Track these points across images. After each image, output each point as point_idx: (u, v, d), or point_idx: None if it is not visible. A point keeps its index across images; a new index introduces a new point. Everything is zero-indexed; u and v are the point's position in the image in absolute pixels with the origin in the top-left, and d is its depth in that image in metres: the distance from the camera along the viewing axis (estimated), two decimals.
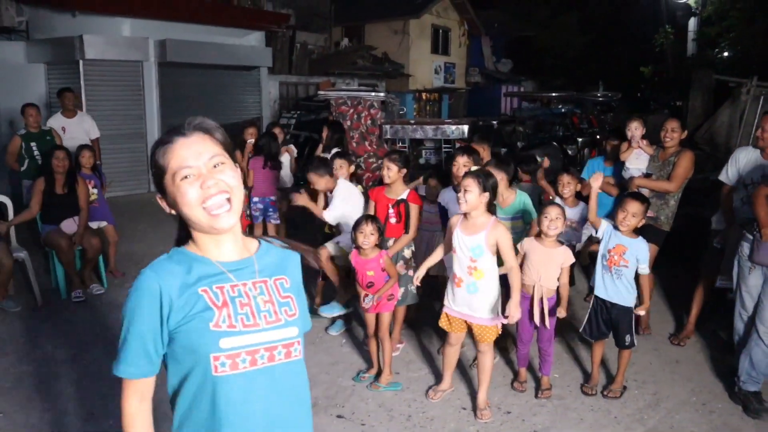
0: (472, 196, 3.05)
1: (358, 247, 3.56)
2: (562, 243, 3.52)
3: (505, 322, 3.21)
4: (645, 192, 4.26)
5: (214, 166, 1.31)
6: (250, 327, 1.31)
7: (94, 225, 5.41)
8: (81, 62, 9.26)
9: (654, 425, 3.27)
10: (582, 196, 4.36)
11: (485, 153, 4.50)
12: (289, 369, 1.37)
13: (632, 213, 3.43)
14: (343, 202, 4.18)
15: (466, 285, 3.17)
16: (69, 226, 5.07)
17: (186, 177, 1.29)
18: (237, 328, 1.30)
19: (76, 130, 6.70)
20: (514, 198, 3.89)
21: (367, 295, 3.58)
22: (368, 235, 3.47)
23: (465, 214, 3.16)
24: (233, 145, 1.42)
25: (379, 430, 3.17)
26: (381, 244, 3.61)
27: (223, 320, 1.29)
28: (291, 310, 1.39)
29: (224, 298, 1.31)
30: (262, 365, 1.32)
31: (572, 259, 3.45)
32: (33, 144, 6.04)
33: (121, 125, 9.89)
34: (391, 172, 3.93)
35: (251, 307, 1.33)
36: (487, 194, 3.09)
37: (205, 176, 1.29)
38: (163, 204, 1.36)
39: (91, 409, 3.33)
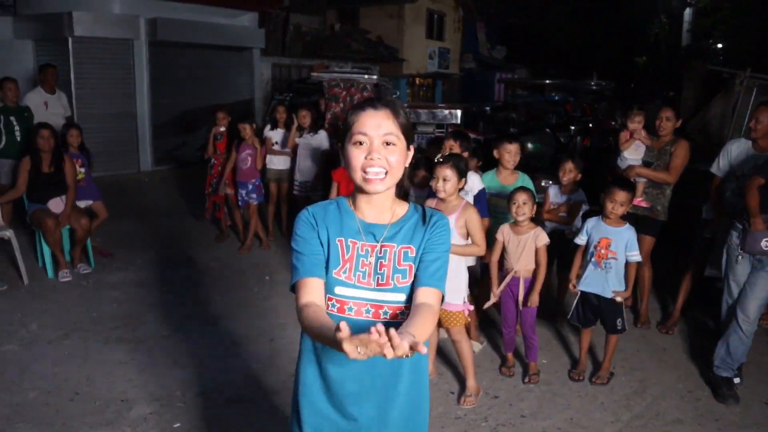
0: (451, 184, 3.13)
1: None
2: (536, 225, 3.53)
3: (471, 308, 3.24)
4: (642, 183, 4.25)
5: (386, 144, 1.50)
6: (363, 284, 1.53)
7: (81, 204, 5.36)
8: (70, 39, 9.09)
9: (640, 411, 3.29)
10: (580, 183, 4.34)
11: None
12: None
13: (620, 202, 3.43)
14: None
15: None
16: (56, 205, 5.00)
17: (359, 143, 1.50)
18: (352, 282, 1.53)
19: (57, 105, 6.64)
20: (516, 179, 3.93)
21: None
22: None
23: (439, 198, 3.21)
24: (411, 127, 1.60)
25: None
26: None
27: (344, 272, 1.53)
28: (404, 278, 1.55)
29: (353, 253, 1.53)
30: (366, 318, 1.53)
31: (546, 239, 3.47)
32: (12, 118, 5.90)
33: (110, 104, 9.75)
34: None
35: (370, 268, 1.54)
36: (463, 180, 3.19)
37: (375, 149, 1.49)
38: (342, 153, 1.56)
39: (76, 390, 3.30)
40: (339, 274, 1.52)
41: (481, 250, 3.21)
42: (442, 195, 3.15)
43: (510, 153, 3.97)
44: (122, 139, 9.98)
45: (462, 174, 3.17)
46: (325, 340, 1.38)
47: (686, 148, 4.19)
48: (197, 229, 6.70)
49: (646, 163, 4.31)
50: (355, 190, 1.57)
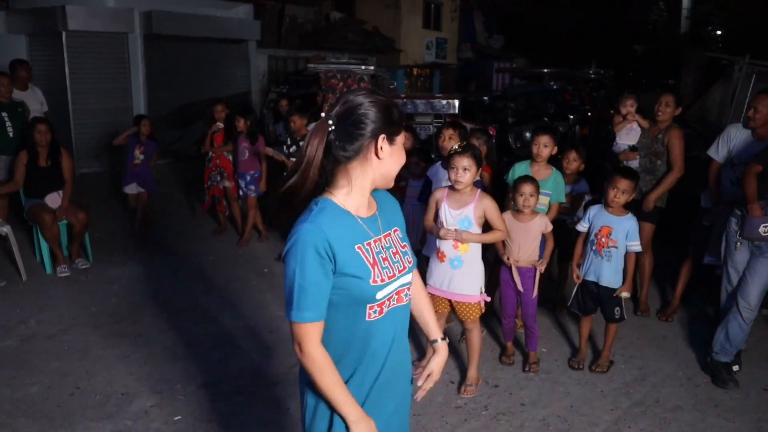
0: (471, 174, 3.07)
1: None
2: (537, 212, 3.53)
3: (488, 299, 3.24)
4: (634, 165, 4.26)
5: None
6: (392, 278, 1.55)
7: (134, 191, 6.09)
8: (63, 33, 9.01)
9: (640, 399, 3.31)
10: (583, 173, 4.34)
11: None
12: (407, 306, 1.65)
13: (622, 190, 3.43)
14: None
15: (449, 259, 3.17)
16: (53, 199, 5.00)
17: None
18: (385, 281, 1.53)
19: (32, 102, 6.60)
20: (549, 174, 3.85)
21: None
22: None
23: (451, 187, 3.17)
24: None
25: None
26: None
27: (378, 276, 1.51)
28: (411, 257, 1.65)
29: (373, 255, 1.52)
30: (395, 305, 1.59)
31: (550, 226, 3.49)
32: (4, 114, 5.85)
33: (105, 99, 9.69)
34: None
35: (390, 261, 1.56)
36: (480, 169, 3.15)
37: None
38: (377, 147, 1.50)
39: (77, 384, 3.31)
40: (375, 281, 1.50)
41: (504, 234, 3.22)
42: (461, 186, 3.08)
43: (538, 145, 3.81)
44: (118, 134, 9.92)
45: (479, 164, 3.12)
46: (337, 399, 1.47)
47: (680, 136, 4.18)
48: (195, 222, 6.70)
49: (633, 149, 4.32)
50: (354, 187, 1.53)
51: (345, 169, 1.51)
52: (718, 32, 12.53)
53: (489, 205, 3.13)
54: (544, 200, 3.77)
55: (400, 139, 1.56)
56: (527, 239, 3.46)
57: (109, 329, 4.01)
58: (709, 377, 3.52)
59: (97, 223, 5.82)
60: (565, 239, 4.15)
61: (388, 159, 1.52)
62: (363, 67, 8.78)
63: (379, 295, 1.52)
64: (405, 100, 9.10)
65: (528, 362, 3.60)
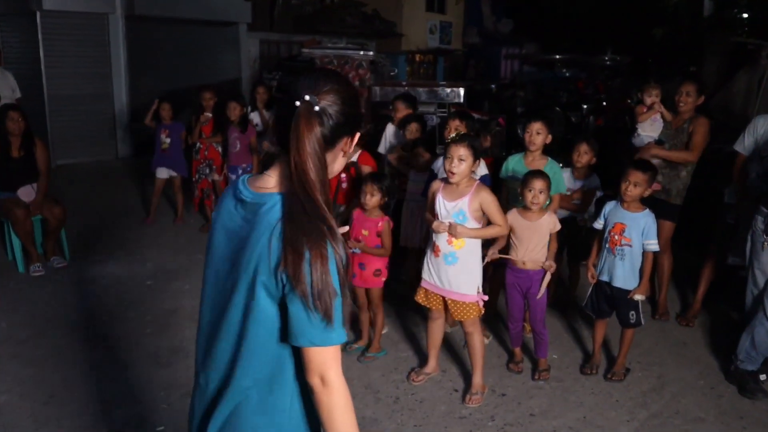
0: (466, 165, 3.08)
1: (362, 207, 3.66)
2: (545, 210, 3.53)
3: (486, 298, 3.25)
4: (656, 162, 4.24)
5: None
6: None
7: (164, 174, 6.15)
8: (38, 14, 8.97)
9: (658, 409, 3.30)
10: (595, 168, 4.32)
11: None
12: None
13: (634, 182, 3.42)
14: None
15: (443, 255, 3.19)
16: (26, 193, 4.98)
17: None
18: None
19: (3, 88, 6.56)
20: (545, 164, 3.86)
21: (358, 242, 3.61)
22: (368, 196, 3.59)
23: (446, 179, 3.20)
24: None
25: (365, 413, 3.17)
26: (384, 208, 3.71)
27: None
28: None
29: None
30: None
31: (558, 225, 3.48)
32: None
33: (84, 85, 9.66)
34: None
35: None
36: (478, 161, 3.15)
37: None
38: (348, 145, 1.43)
39: (52, 392, 3.30)
40: None
41: (503, 229, 3.21)
42: (455, 178, 3.10)
43: (530, 133, 3.86)
44: (98, 123, 9.90)
45: (477, 155, 3.14)
46: None
47: (706, 125, 4.17)
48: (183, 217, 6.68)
49: (658, 142, 4.30)
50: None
51: None
52: (744, 15, 12.47)
53: (485, 198, 3.13)
54: None
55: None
56: (534, 238, 3.44)
57: (86, 333, 3.99)
58: (734, 387, 3.51)
59: (75, 218, 5.79)
60: (575, 238, 4.13)
61: None
62: (362, 52, 8.76)
63: None
64: (407, 88, 9.08)
65: (538, 370, 3.59)
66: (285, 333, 1.30)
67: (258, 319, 1.31)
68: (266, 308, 1.30)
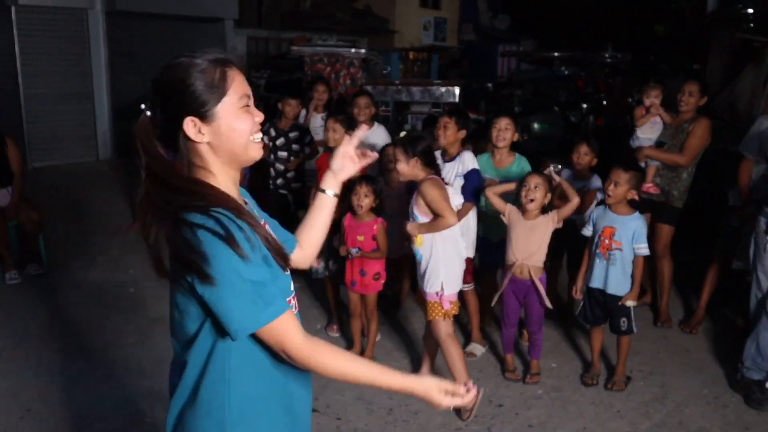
0: (401, 165, 3.22)
1: (353, 211, 3.66)
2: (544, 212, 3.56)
3: (452, 299, 3.27)
4: (656, 164, 4.27)
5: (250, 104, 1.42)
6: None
7: None
8: (13, 8, 8.96)
9: (661, 420, 3.32)
10: (596, 169, 4.35)
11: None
12: None
13: (615, 181, 3.44)
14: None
15: (414, 252, 3.35)
16: (1, 197, 4.95)
17: (247, 106, 1.39)
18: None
19: None
20: (512, 161, 3.94)
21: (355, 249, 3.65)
22: (362, 198, 3.59)
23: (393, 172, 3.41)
24: None
25: (357, 425, 3.18)
26: (376, 211, 3.71)
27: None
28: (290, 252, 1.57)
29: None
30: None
31: (559, 224, 3.51)
32: None
33: (63, 84, 9.66)
34: (337, 134, 4.04)
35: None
36: (416, 159, 3.20)
37: (253, 111, 1.40)
38: (194, 129, 1.37)
39: (28, 406, 3.28)
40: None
41: (448, 219, 3.17)
42: (393, 181, 3.28)
43: (498, 129, 3.91)
44: (77, 123, 9.89)
45: (413, 154, 3.18)
46: (381, 380, 1.46)
47: (706, 127, 4.19)
48: None
49: (659, 144, 4.33)
50: (220, 172, 1.44)
51: None
52: (750, 10, 12.56)
53: (423, 191, 3.19)
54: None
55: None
56: (532, 239, 3.47)
57: (65, 344, 3.98)
58: (740, 396, 3.53)
59: (53, 223, 5.78)
60: (575, 242, 4.15)
61: None
62: (353, 50, 8.79)
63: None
64: (400, 86, 9.11)
65: (529, 373, 3.62)
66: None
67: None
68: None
